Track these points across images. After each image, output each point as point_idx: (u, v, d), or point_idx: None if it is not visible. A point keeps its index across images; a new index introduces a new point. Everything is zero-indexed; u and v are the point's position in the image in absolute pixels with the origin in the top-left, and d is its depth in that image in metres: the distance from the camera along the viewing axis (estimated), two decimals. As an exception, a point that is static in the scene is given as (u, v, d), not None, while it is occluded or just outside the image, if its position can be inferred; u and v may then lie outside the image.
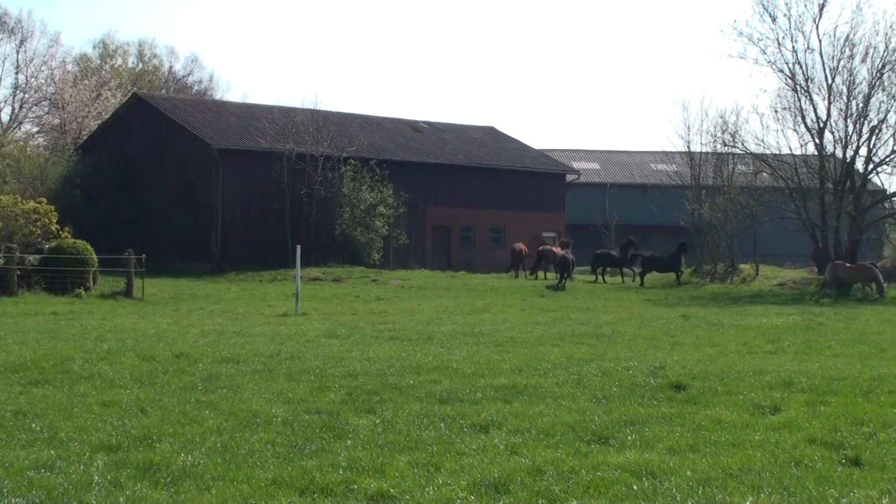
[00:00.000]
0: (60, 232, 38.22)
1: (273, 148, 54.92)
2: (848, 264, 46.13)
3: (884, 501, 8.54)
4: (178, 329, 23.90)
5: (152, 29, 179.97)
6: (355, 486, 8.88)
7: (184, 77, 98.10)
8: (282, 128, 56.18)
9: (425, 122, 71.55)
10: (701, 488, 8.90)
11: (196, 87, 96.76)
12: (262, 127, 57.52)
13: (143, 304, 34.26)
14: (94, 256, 37.03)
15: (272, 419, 11.72)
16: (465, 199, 63.73)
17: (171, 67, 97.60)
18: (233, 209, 54.21)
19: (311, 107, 61.62)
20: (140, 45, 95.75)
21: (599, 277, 53.59)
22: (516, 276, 53.77)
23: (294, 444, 10.49)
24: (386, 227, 56.25)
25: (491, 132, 74.91)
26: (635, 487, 8.88)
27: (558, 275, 48.52)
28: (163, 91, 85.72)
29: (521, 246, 55.98)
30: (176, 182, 56.65)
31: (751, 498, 8.59)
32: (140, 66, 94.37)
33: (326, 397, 13.30)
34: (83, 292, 35.14)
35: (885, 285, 43.55)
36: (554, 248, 54.08)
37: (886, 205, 54.80)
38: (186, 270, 50.03)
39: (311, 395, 13.48)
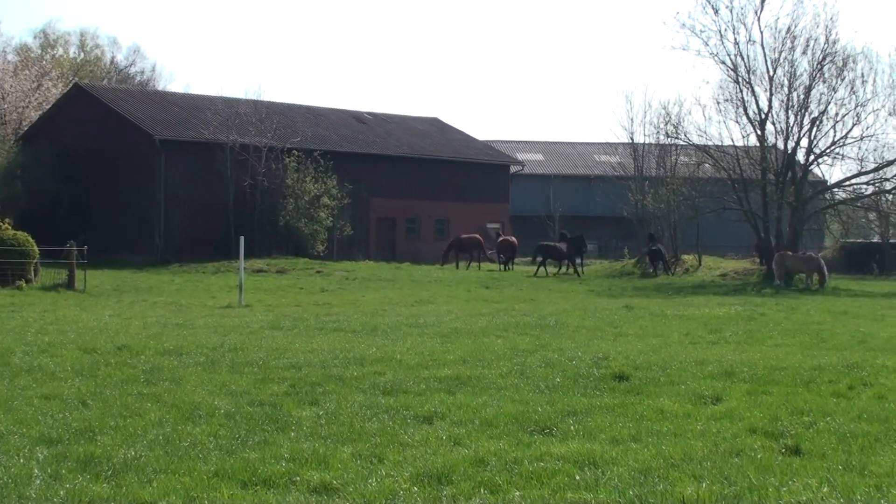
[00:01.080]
0: (0, 224, 37.77)
1: (216, 139, 54.60)
2: (794, 254, 46.59)
3: (823, 489, 8.60)
4: (121, 321, 23.71)
5: (94, 19, 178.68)
6: (298, 478, 8.85)
7: (126, 67, 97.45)
8: (225, 119, 55.87)
9: (370, 114, 71.43)
10: (643, 477, 8.93)
11: (138, 78, 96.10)
12: (206, 118, 57.19)
13: (85, 296, 33.92)
14: (35, 248, 36.67)
15: (215, 411, 11.65)
16: (409, 191, 63.76)
17: (113, 58, 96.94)
18: (176, 200, 53.86)
19: (255, 98, 61.59)
20: (82, 36, 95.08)
21: (542, 269, 53.72)
22: (442, 265, 53.67)
23: (237, 436, 10.43)
24: (330, 218, 56.15)
25: (435, 123, 74.94)
26: (577, 477, 8.91)
27: (503, 260, 48.89)
28: (105, 81, 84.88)
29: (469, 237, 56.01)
30: (118, 173, 56.22)
31: (692, 487, 8.63)
32: (82, 56, 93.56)
33: (269, 389, 13.25)
34: (24, 284, 34.78)
35: (827, 277, 44.06)
36: (470, 236, 54.29)
37: (827, 196, 55.31)
38: (129, 262, 49.71)
39: (254, 386, 13.42)
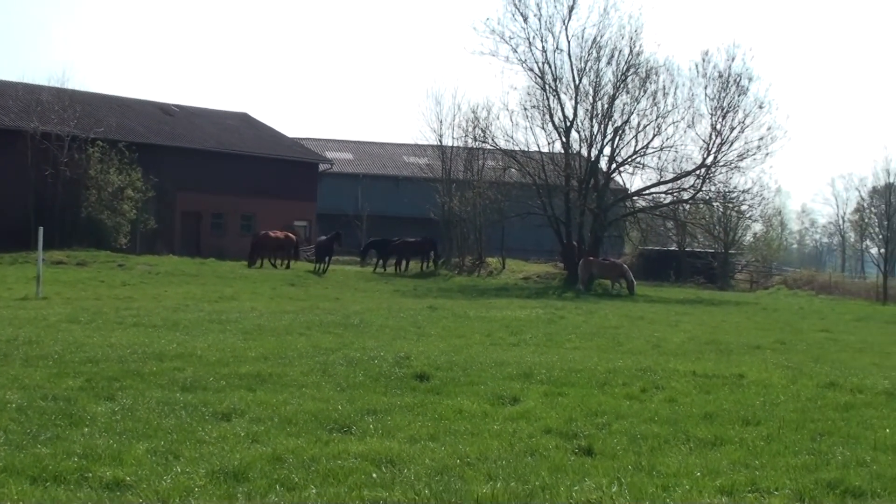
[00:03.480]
0: None
1: (16, 126, 52.94)
2: (601, 260, 47.63)
3: (613, 489, 8.82)
4: None
5: None
6: (90, 475, 8.69)
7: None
8: (26, 105, 54.28)
9: (177, 106, 70.34)
10: (439, 476, 9.03)
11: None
12: (5, 104, 55.46)
13: None
14: None
15: (6, 405, 11.34)
16: (216, 186, 62.96)
17: None
18: (-29, 188, 52.11)
19: (58, 85, 59.78)
20: None
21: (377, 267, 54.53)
22: (250, 265, 52.81)
23: (28, 431, 10.17)
24: (134, 211, 55.10)
25: (245, 119, 74.28)
26: (374, 475, 8.96)
27: (319, 260, 48.84)
28: None
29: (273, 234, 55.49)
30: None
31: (487, 486, 8.76)
32: None
33: (64, 383, 12.95)
34: None
35: (634, 282, 45.19)
36: (272, 234, 53.97)
37: (627, 203, 56.75)
38: (-82, 251, 47.88)
39: (48, 381, 13.10)
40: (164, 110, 68.19)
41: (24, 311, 23.89)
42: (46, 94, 56.27)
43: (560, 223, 53.29)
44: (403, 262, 56.63)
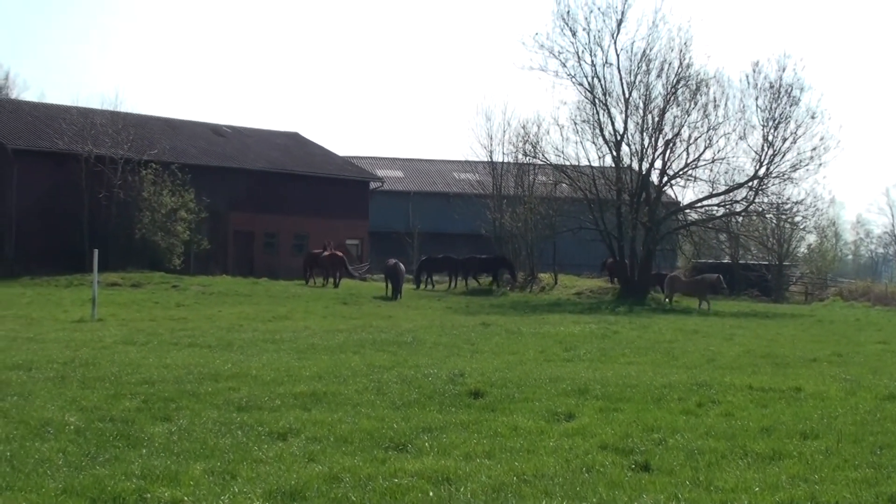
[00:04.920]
0: None
1: (71, 149, 53.46)
2: (685, 278, 47.25)
3: (671, 504, 8.79)
4: (-33, 335, 23.14)
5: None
6: (149, 495, 8.74)
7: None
8: (80, 129, 54.86)
9: (228, 127, 70.76)
10: (495, 494, 9.02)
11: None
12: (60, 127, 55.99)
13: (-70, 308, 32.99)
14: None
15: (65, 427, 11.43)
16: (268, 205, 63.22)
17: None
18: (28, 212, 52.64)
19: (111, 108, 60.45)
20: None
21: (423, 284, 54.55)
22: (307, 283, 53.27)
23: (87, 452, 10.25)
24: (187, 231, 55.39)
25: (295, 138, 74.57)
26: (431, 493, 8.95)
27: (390, 286, 47.37)
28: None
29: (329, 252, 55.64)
30: (-32, 183, 54.78)
31: (543, 503, 8.73)
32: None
33: (122, 405, 13.04)
34: None
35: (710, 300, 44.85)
36: (326, 253, 54.08)
37: (679, 216, 56.41)
38: (-24, 275, 48.37)
39: (105, 402, 13.20)
40: (216, 131, 68.63)
41: (80, 334, 24.06)
42: (100, 118, 56.89)
43: (612, 237, 53.06)
44: (469, 279, 56.42)
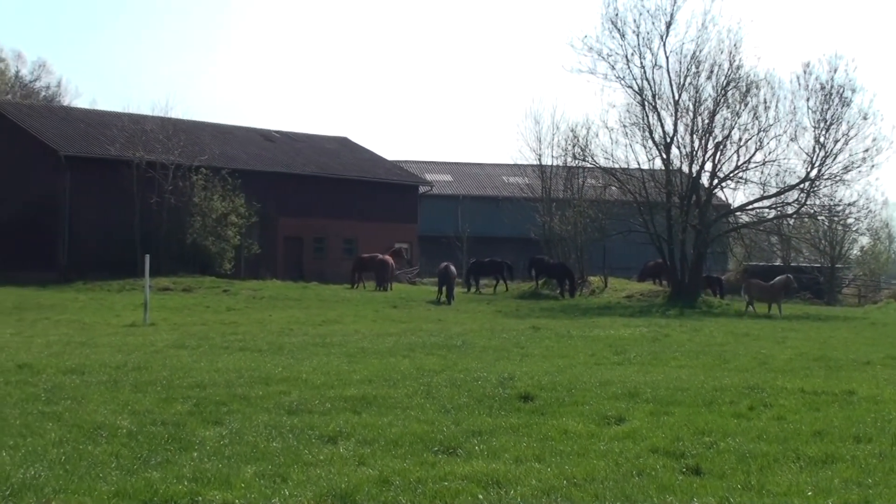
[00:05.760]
0: None
1: (122, 155, 53.86)
2: (761, 283, 46.89)
3: (722, 509, 8.74)
4: (22, 339, 23.37)
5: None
6: (200, 498, 8.79)
7: (31, 82, 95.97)
8: (131, 135, 55.28)
9: (278, 132, 71.07)
10: (546, 497, 9.00)
11: (43, 93, 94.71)
12: (112, 134, 56.45)
13: (-15, 313, 33.34)
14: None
15: (117, 431, 11.52)
16: (317, 210, 63.46)
17: (17, 72, 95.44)
18: (80, 217, 53.14)
19: (162, 114, 60.86)
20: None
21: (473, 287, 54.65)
22: (352, 287, 53.27)
23: (139, 455, 10.33)
24: (237, 236, 55.68)
25: (344, 142, 74.78)
26: (481, 497, 8.95)
27: (443, 289, 46.84)
28: (9, 96, 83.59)
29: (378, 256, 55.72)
30: (22, 189, 55.32)
31: (594, 506, 8.71)
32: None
33: (173, 408, 13.13)
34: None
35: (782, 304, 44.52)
36: (380, 257, 54.15)
37: (730, 219, 56.03)
38: (31, 280, 48.76)
39: (157, 406, 13.29)
40: (266, 137, 68.97)
41: (132, 338, 24.25)
42: (151, 124, 57.34)
43: (662, 240, 52.76)
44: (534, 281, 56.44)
